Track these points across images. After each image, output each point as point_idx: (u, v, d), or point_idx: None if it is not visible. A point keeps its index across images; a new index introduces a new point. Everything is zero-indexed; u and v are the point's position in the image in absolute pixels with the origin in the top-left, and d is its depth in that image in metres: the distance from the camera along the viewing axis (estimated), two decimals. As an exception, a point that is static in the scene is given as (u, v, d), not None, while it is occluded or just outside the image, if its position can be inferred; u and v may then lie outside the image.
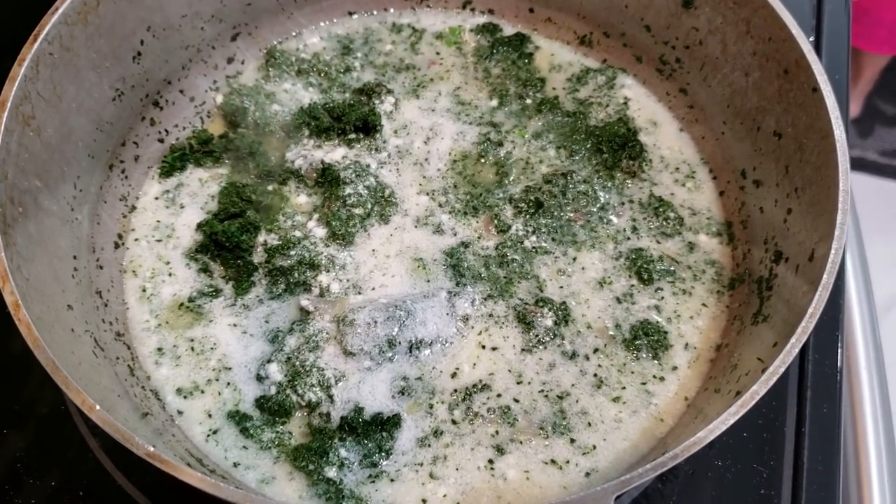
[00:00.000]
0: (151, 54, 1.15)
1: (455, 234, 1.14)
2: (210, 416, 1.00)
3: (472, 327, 1.06)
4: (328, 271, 1.10)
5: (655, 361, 1.04)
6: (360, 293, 1.08)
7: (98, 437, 1.06)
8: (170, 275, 1.11)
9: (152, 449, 0.76)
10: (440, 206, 1.17)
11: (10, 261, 0.85)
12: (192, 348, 1.05)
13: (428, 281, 1.10)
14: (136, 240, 1.14)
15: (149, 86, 1.17)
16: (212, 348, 1.05)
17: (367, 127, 1.21)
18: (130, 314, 1.08)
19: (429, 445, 0.98)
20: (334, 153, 1.19)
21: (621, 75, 1.30)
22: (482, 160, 1.21)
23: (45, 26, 0.96)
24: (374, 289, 1.09)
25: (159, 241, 1.14)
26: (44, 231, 0.96)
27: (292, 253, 1.10)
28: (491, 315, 1.07)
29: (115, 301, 1.07)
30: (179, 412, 1.00)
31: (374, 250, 1.12)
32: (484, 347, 1.05)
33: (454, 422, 0.99)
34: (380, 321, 1.03)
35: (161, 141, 1.21)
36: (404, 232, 1.14)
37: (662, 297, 1.09)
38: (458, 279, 1.09)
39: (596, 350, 1.05)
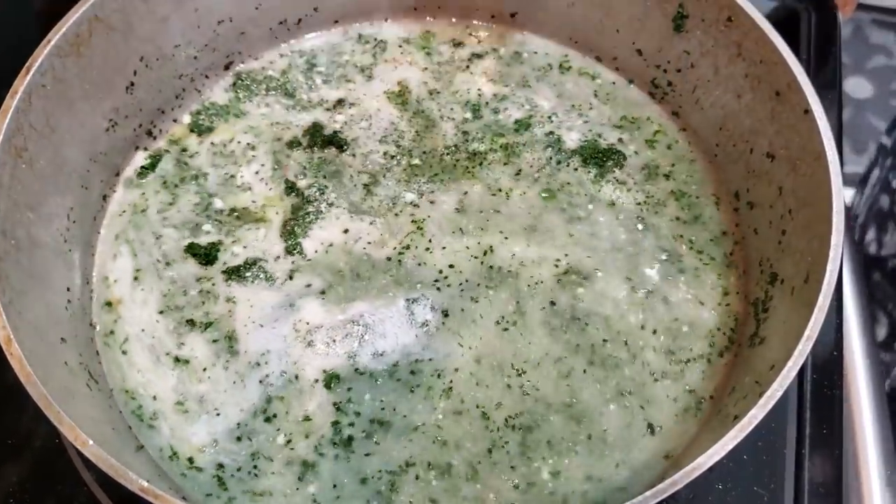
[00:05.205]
0: (145, 84, 1.15)
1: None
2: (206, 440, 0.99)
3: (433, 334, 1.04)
4: None
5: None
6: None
7: (93, 470, 1.04)
8: (142, 290, 1.08)
9: (146, 484, 0.75)
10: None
11: (2, 294, 0.85)
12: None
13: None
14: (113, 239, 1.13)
15: (142, 116, 1.17)
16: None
17: (339, 141, 1.20)
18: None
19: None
20: (300, 170, 1.18)
21: (614, 98, 1.30)
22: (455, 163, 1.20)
23: (37, 58, 0.96)
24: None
25: (143, 243, 1.12)
26: (36, 264, 0.96)
27: (248, 275, 1.08)
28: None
29: (108, 332, 1.07)
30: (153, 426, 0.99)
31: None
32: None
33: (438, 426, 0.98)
34: (338, 339, 1.03)
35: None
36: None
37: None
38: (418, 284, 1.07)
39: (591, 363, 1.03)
